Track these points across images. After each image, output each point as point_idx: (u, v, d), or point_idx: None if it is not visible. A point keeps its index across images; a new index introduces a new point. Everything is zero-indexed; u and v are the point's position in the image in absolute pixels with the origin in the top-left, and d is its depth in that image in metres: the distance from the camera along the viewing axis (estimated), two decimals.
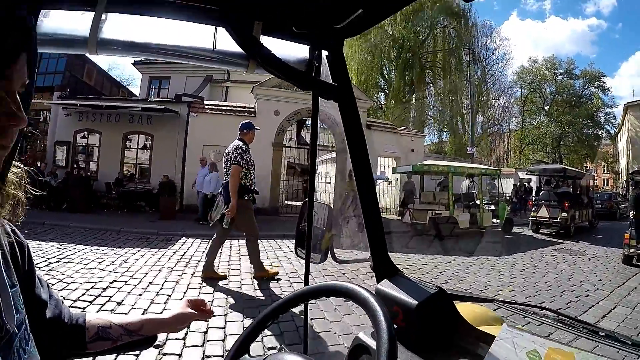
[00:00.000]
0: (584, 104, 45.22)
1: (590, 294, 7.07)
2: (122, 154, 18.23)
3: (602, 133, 47.63)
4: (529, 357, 0.99)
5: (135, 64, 29.09)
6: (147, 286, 5.82)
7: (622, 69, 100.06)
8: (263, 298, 5.70)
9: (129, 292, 5.46)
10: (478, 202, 15.01)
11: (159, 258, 7.76)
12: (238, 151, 5.93)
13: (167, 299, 5.34)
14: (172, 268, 6.98)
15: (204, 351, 3.79)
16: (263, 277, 6.34)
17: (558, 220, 14.72)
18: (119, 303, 5.08)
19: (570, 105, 45.14)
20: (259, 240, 6.51)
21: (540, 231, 15.88)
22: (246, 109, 18.06)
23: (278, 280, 6.56)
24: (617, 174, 50.45)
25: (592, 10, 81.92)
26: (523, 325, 2.14)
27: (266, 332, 4.09)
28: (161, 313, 1.25)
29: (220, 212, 5.98)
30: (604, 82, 46.33)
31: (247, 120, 6.48)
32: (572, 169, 19.73)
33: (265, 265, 6.79)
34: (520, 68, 48.49)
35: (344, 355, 1.36)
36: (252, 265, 6.42)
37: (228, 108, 18.21)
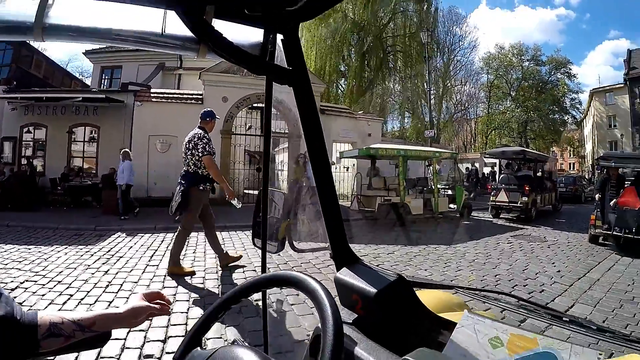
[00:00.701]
0: (550, 90, 44.76)
1: (545, 288, 5.94)
2: (68, 147, 17.13)
3: (568, 118, 47.56)
4: (491, 343, 0.97)
5: (86, 53, 28.07)
6: (55, 285, 5.30)
7: (589, 58, 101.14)
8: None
9: (34, 292, 4.99)
10: (433, 187, 13.77)
11: (82, 255, 7.09)
12: (204, 140, 5.78)
13: (69, 298, 4.81)
14: (89, 265, 6.36)
15: (163, 348, 3.53)
16: (176, 273, 5.85)
17: (518, 205, 13.58)
18: (20, 303, 4.29)
19: (536, 91, 44.67)
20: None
21: (501, 216, 14.75)
22: (193, 96, 17.16)
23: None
24: (582, 158, 50.52)
25: (561, 1, 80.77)
26: (485, 312, 1.88)
27: (230, 327, 3.97)
28: (116, 307, 1.15)
29: (178, 202, 5.73)
30: (570, 69, 46.14)
31: (208, 109, 6.33)
32: (533, 151, 18.74)
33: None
34: (487, 54, 47.77)
35: (306, 347, 1.21)
36: (172, 253, 5.95)
37: (174, 96, 17.26)
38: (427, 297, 1.40)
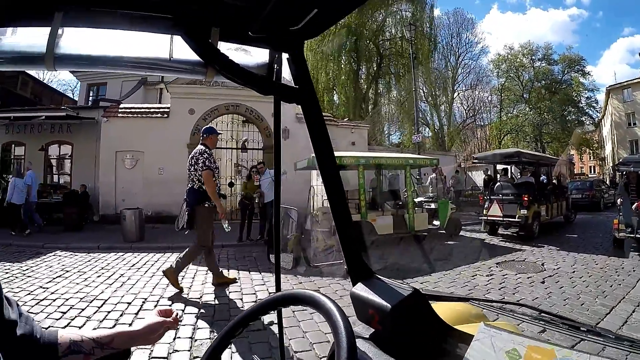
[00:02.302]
0: (564, 90, 41.20)
1: None
2: (45, 164, 16.81)
3: (586, 119, 43.86)
4: (508, 356, 0.96)
5: (72, 71, 26.36)
6: None
7: (605, 57, 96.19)
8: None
9: None
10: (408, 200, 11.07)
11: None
12: (204, 155, 5.76)
13: None
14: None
15: None
16: (171, 282, 5.81)
17: (516, 220, 10.79)
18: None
19: (549, 92, 41.13)
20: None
21: (499, 232, 11.92)
22: (159, 110, 16.21)
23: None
24: (602, 160, 47.26)
25: (573, 0, 77.15)
26: (502, 322, 1.60)
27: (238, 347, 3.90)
28: (134, 325, 1.20)
29: (184, 218, 5.75)
30: (584, 66, 42.35)
31: (208, 125, 6.78)
32: (534, 153, 15.66)
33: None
34: (497, 56, 44.34)
35: None
36: (178, 264, 5.86)
37: (141, 110, 16.26)
38: (444, 310, 1.40)
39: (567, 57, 42.17)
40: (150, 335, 1.17)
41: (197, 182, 5.75)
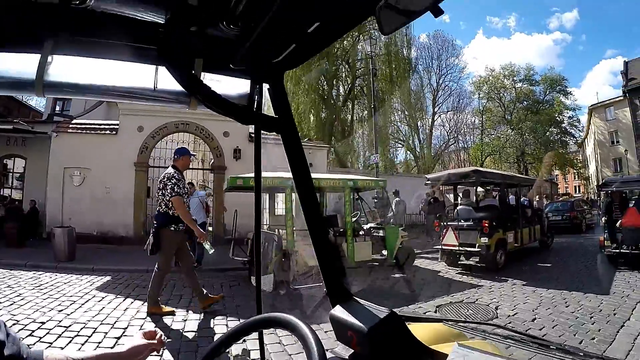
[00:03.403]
0: (546, 110, 39.82)
1: None
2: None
3: (568, 139, 42.48)
4: None
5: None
6: None
7: (588, 79, 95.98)
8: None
9: None
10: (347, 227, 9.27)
11: None
12: (172, 181, 5.44)
13: None
14: None
15: None
16: (155, 313, 5.52)
17: (475, 250, 8.98)
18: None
19: (531, 112, 39.67)
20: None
21: (460, 262, 9.98)
22: (109, 127, 15.17)
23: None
24: (587, 180, 46.30)
25: (556, 25, 78.13)
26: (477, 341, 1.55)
27: None
28: (119, 347, 1.20)
29: (151, 243, 5.46)
30: (566, 87, 41.11)
31: (181, 146, 6.54)
32: (497, 172, 13.59)
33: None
34: (478, 78, 42.99)
35: None
36: (149, 295, 5.58)
37: (91, 126, 15.26)
38: (421, 330, 1.40)
39: (548, 78, 40.98)
40: (135, 357, 1.15)
41: (163, 206, 5.48)
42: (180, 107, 1.36)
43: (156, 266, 5.55)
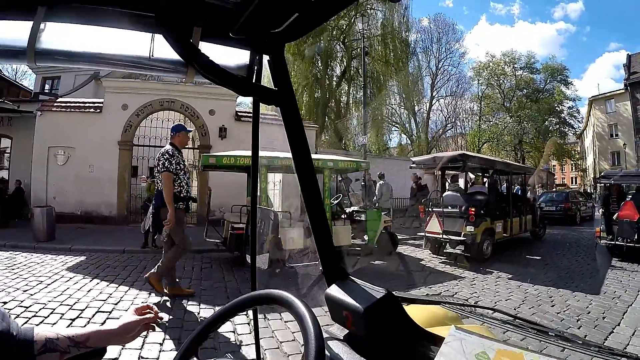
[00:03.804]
0: (545, 98, 39.11)
1: None
2: None
3: (567, 129, 41.78)
4: (477, 358, 0.93)
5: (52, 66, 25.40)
6: None
7: (590, 71, 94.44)
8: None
9: None
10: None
11: None
12: (165, 156, 5.25)
13: None
14: None
15: None
16: (177, 294, 5.38)
17: (461, 238, 8.41)
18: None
19: (530, 100, 38.96)
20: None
21: (446, 250, 9.57)
22: (93, 105, 14.82)
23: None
24: (584, 172, 45.50)
25: (560, 15, 76.61)
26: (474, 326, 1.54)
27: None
28: (111, 323, 1.16)
29: (149, 220, 5.55)
30: (567, 76, 40.23)
31: (178, 123, 6.13)
32: (487, 157, 12.92)
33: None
34: (477, 63, 42.04)
35: None
36: (160, 274, 5.29)
37: (75, 104, 14.85)
38: (418, 312, 1.41)
39: (549, 67, 40.09)
40: (127, 334, 1.13)
41: (160, 184, 5.30)
42: (177, 76, 1.33)
43: (175, 245, 5.36)
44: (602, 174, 12.57)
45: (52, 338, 0.99)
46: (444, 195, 9.58)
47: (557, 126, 40.67)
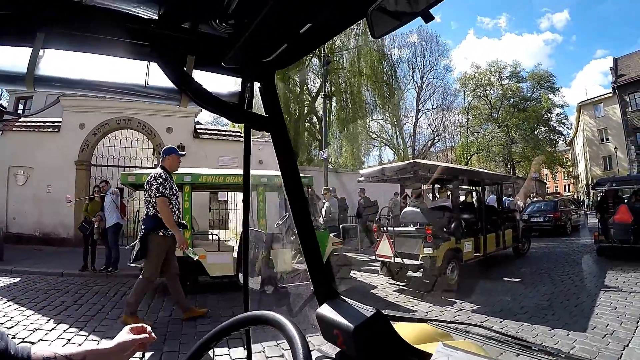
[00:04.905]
0: (533, 107, 37.98)
1: None
2: None
3: (557, 137, 40.59)
4: None
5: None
6: None
7: (578, 79, 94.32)
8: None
9: None
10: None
11: None
12: (158, 181, 5.04)
13: None
14: None
15: None
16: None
17: (418, 262, 6.97)
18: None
19: (518, 109, 37.93)
20: None
21: (408, 275, 8.03)
22: (52, 124, 14.18)
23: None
24: (576, 178, 44.70)
25: (547, 25, 75.65)
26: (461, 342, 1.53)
27: None
28: (106, 343, 1.14)
29: (136, 247, 5.31)
30: (553, 83, 39.21)
31: (169, 145, 5.77)
32: (448, 165, 11.42)
33: None
34: (463, 74, 41.00)
35: None
36: (129, 302, 5.12)
37: (35, 124, 14.30)
38: (407, 330, 1.41)
39: (535, 74, 39.14)
40: (122, 352, 1.12)
41: (152, 209, 5.07)
42: (171, 104, 1.35)
43: (141, 273, 5.18)
44: (596, 181, 13.18)
45: (49, 357, 0.99)
46: (403, 211, 8.16)
47: (547, 134, 39.57)
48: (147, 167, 14.52)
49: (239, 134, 16.17)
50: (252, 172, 6.37)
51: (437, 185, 10.09)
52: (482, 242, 8.59)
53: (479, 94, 39.65)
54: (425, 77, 38.60)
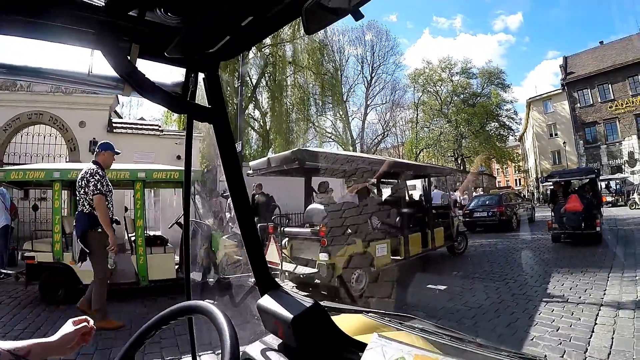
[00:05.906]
0: (482, 102, 37.76)
1: None
2: None
3: (507, 132, 40.65)
4: None
5: None
6: None
7: (529, 78, 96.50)
8: None
9: None
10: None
11: None
12: (96, 177, 4.76)
13: None
14: None
15: None
16: (105, 328, 4.64)
17: (313, 271, 5.66)
18: None
19: (468, 105, 37.62)
20: None
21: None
22: None
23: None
24: (526, 172, 45.50)
25: (501, 27, 77.23)
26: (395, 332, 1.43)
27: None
28: (51, 336, 1.12)
29: (78, 249, 4.93)
30: (503, 79, 39.20)
31: (105, 141, 5.37)
32: (348, 153, 9.86)
33: None
34: (414, 70, 40.16)
35: None
36: (96, 310, 4.75)
37: None
38: (345, 321, 1.39)
39: (486, 71, 39.00)
40: (66, 345, 1.10)
41: (87, 206, 4.76)
42: (115, 93, 1.34)
43: (94, 276, 4.86)
44: (547, 174, 14.48)
45: None
46: (307, 209, 6.79)
47: (497, 130, 39.51)
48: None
49: (156, 127, 14.99)
50: (139, 166, 6.14)
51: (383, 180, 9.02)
52: (405, 243, 7.33)
53: (429, 89, 39.22)
54: (374, 72, 37.74)
